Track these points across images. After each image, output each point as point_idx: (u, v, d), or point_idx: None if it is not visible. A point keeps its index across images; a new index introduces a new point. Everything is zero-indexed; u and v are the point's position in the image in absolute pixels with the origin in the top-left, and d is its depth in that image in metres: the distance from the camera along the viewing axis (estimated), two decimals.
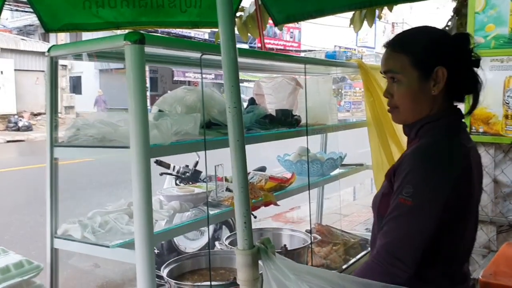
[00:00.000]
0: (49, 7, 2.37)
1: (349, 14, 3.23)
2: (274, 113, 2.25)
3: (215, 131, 1.82)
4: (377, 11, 3.41)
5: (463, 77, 1.39)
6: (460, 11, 4.40)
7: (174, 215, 1.86)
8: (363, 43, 33.21)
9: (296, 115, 2.26)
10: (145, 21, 2.50)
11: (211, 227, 3.64)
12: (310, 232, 2.49)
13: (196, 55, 1.77)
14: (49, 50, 1.70)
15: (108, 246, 1.56)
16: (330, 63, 2.58)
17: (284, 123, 2.19)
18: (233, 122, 1.13)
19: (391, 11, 3.26)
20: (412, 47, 1.41)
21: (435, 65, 1.37)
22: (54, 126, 1.74)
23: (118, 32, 2.44)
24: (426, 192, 1.30)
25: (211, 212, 1.88)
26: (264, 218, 5.62)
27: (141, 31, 1.51)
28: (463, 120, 1.47)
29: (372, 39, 33.39)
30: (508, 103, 2.99)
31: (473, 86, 1.41)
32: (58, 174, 1.76)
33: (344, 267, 2.67)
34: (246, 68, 2.39)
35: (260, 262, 1.17)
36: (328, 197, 4.53)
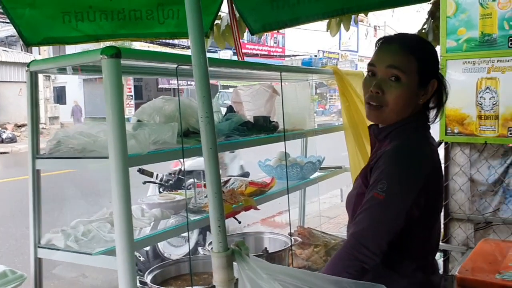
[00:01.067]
0: (29, 22, 2.41)
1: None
2: (252, 120, 2.32)
3: (193, 139, 1.87)
4: (353, 16, 3.49)
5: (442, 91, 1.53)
6: (435, 14, 4.52)
7: (158, 222, 1.91)
8: (346, 46, 33.52)
9: (273, 121, 2.33)
10: (124, 33, 2.55)
11: (195, 233, 3.69)
12: (290, 235, 2.55)
13: (173, 66, 1.83)
14: (29, 65, 1.74)
15: (90, 254, 1.60)
16: (305, 71, 2.66)
17: (262, 129, 2.25)
18: (206, 130, 1.19)
19: (366, 15, 3.35)
20: (422, 53, 1.47)
21: (432, 77, 1.48)
22: (35, 138, 1.79)
23: (101, 44, 2.49)
24: (398, 188, 1.38)
25: (192, 218, 1.93)
26: (252, 223, 5.68)
27: (117, 45, 1.57)
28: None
29: (355, 42, 33.74)
30: (481, 104, 3.08)
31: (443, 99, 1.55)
32: (40, 185, 1.80)
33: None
34: (224, 76, 2.45)
35: (235, 263, 1.23)
36: (313, 200, 4.60)
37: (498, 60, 3.08)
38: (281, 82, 2.24)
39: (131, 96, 22.79)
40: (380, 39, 1.54)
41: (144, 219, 1.90)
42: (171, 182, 3.56)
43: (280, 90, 2.47)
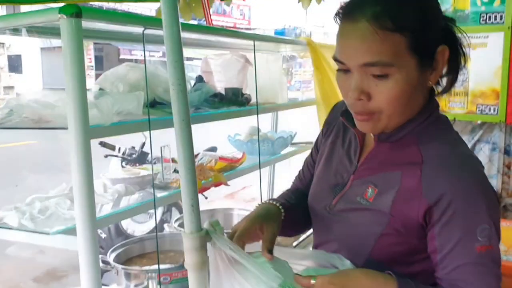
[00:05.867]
0: None
1: None
2: (223, 91, 2.20)
3: (160, 110, 1.75)
4: None
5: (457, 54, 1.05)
6: None
7: (120, 198, 1.79)
8: (313, 21, 33.38)
9: (246, 93, 2.22)
10: None
11: (160, 210, 3.57)
12: None
13: (138, 30, 1.68)
14: None
15: (48, 233, 1.47)
16: (280, 40, 2.55)
17: (234, 101, 2.14)
18: (178, 100, 1.07)
19: None
20: (409, 18, 0.93)
21: (437, 44, 0.98)
22: None
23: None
24: (497, 221, 0.98)
25: (158, 195, 1.82)
26: (216, 198, 5.59)
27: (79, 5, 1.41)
28: None
29: (321, 17, 33.62)
30: None
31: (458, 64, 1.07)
32: None
33: (294, 244, 2.69)
34: (192, 44, 2.31)
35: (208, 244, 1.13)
36: (283, 176, 4.54)
37: (469, 37, 3.05)
38: (254, 52, 2.12)
39: (92, 66, 22.02)
40: (339, 9, 1.01)
41: (107, 195, 1.77)
42: (134, 156, 3.41)
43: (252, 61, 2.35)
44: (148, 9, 20.07)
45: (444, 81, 1.07)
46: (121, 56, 22.67)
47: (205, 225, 1.14)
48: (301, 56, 3.11)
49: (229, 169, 2.24)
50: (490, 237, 0.94)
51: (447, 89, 1.07)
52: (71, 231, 1.46)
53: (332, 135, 1.25)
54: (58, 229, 1.48)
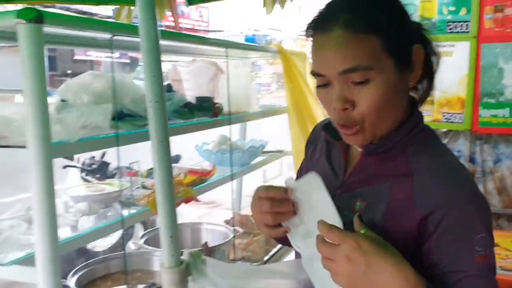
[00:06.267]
0: None
1: None
2: (193, 101, 2.08)
3: (128, 123, 1.61)
4: None
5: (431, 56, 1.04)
6: None
7: (84, 218, 1.64)
8: (272, 25, 33.54)
9: (217, 102, 2.11)
10: None
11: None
12: (233, 226, 2.37)
13: (104, 36, 1.55)
14: None
15: (1, 264, 1.31)
16: (252, 48, 2.45)
17: (205, 111, 2.02)
18: (155, 119, 0.96)
19: None
20: (383, 19, 0.92)
21: (412, 44, 0.97)
22: None
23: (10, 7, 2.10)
24: (490, 229, 0.96)
25: (126, 213, 1.68)
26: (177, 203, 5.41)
27: (37, 7, 1.26)
28: None
29: (279, 21, 33.79)
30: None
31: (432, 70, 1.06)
32: None
33: (265, 258, 2.60)
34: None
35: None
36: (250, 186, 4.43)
37: (436, 45, 3.08)
38: (227, 59, 2.02)
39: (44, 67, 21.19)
40: (311, 23, 0.99)
41: (69, 215, 1.62)
42: (94, 166, 3.22)
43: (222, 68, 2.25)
44: (103, 8, 19.56)
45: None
46: (76, 57, 21.96)
47: (185, 255, 1.04)
48: (270, 62, 3.03)
49: (199, 182, 2.12)
50: (486, 246, 0.91)
51: (427, 94, 1.05)
52: (28, 260, 1.30)
53: (316, 153, 1.20)
54: (13, 258, 1.32)
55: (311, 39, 0.98)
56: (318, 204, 0.94)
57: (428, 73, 1.04)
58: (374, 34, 0.90)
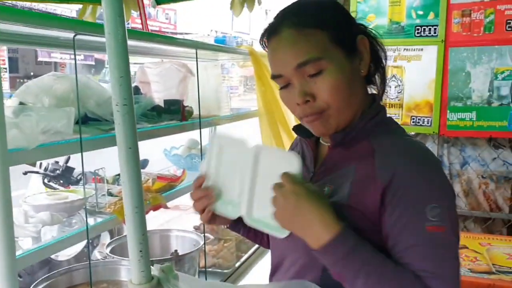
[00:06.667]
0: None
1: None
2: (161, 104, 2.00)
3: (93, 128, 1.53)
4: None
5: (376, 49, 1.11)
6: None
7: (45, 229, 1.54)
8: (239, 28, 33.53)
9: (187, 106, 2.04)
10: None
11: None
12: (203, 232, 2.29)
13: (67, 35, 1.45)
14: None
15: None
16: (224, 49, 2.39)
17: (173, 115, 1.95)
18: (123, 123, 0.88)
19: None
20: (326, 16, 1.03)
21: (355, 35, 1.05)
22: None
23: None
24: (451, 205, 0.98)
25: (91, 223, 1.59)
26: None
27: None
28: None
29: (247, 25, 33.83)
30: (386, 92, 3.08)
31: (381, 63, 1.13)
32: None
33: (237, 265, 2.53)
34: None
35: None
36: None
37: (404, 49, 3.11)
38: (196, 61, 1.95)
39: (5, 69, 20.49)
40: (263, 33, 1.09)
41: (29, 226, 1.51)
42: (58, 172, 3.07)
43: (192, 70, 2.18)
44: (68, 9, 19.08)
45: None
46: (39, 59, 21.33)
47: (155, 270, 0.97)
48: (241, 65, 2.98)
49: (168, 188, 2.04)
50: (443, 219, 0.92)
51: (383, 87, 1.13)
52: None
53: None
54: None
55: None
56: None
57: (377, 63, 1.12)
58: (319, 28, 1.00)
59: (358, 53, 1.05)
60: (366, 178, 0.99)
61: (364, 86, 1.11)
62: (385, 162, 0.98)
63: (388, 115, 1.12)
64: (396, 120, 3.25)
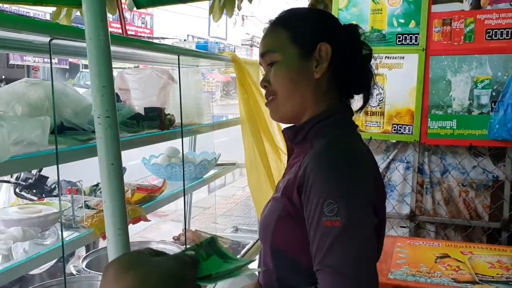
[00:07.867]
0: None
1: (204, 4, 3.05)
2: (142, 111, 1.92)
3: (70, 138, 1.44)
4: (236, 1, 3.26)
5: (353, 66, 1.18)
6: (316, 7, 4.49)
7: (17, 246, 1.44)
8: (215, 34, 33.40)
9: (169, 114, 1.96)
10: None
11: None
12: (184, 244, 2.22)
13: (41, 39, 1.37)
14: None
15: None
16: (206, 56, 2.32)
17: (155, 123, 1.87)
18: (105, 137, 0.81)
19: (250, 2, 3.16)
20: (293, 20, 1.20)
21: (318, 41, 1.14)
22: None
23: None
24: (351, 202, 1.02)
25: (67, 238, 1.50)
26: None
27: None
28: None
29: (223, 30, 33.70)
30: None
31: (366, 80, 1.21)
32: None
33: None
34: None
35: None
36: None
37: (386, 57, 3.10)
38: (178, 67, 1.87)
39: None
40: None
41: None
42: (31, 181, 2.94)
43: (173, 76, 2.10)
44: (42, 12, 18.65)
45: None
46: (11, 62, 20.79)
47: None
48: (222, 72, 2.91)
49: (148, 200, 1.96)
50: (337, 214, 0.98)
51: (362, 107, 1.25)
52: None
53: None
54: None
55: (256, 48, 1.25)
56: None
57: (337, 72, 1.18)
58: (284, 27, 1.18)
59: (317, 57, 1.15)
60: (294, 177, 1.10)
61: (320, 89, 1.17)
62: (304, 162, 1.07)
63: (353, 122, 1.22)
64: (377, 128, 3.21)
